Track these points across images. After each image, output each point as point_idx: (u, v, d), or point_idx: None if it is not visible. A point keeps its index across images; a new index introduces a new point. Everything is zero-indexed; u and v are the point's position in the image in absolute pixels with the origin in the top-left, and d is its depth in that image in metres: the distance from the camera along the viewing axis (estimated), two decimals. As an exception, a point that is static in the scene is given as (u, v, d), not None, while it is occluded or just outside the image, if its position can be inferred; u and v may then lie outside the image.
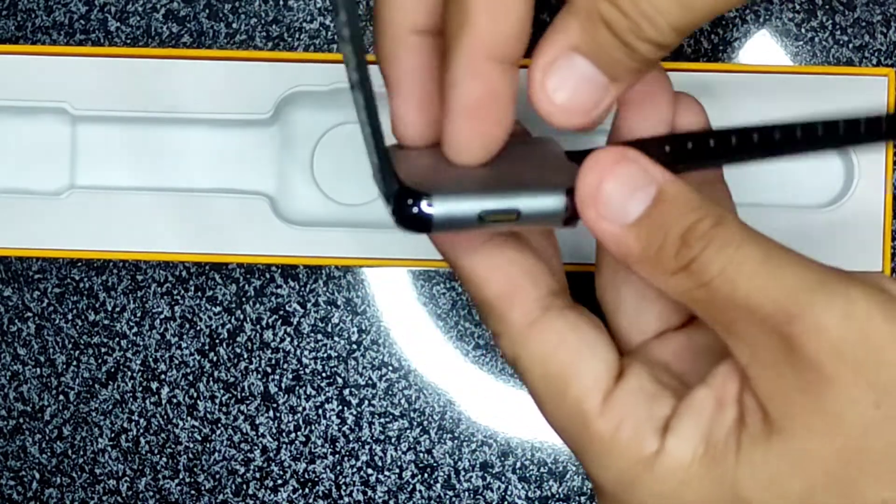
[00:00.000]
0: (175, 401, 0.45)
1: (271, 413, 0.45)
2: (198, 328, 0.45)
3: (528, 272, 0.28)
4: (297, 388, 0.45)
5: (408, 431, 0.45)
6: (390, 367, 0.45)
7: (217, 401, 0.45)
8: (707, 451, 0.25)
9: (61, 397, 0.45)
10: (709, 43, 0.44)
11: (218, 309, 0.45)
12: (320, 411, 0.45)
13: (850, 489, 0.24)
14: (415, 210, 0.25)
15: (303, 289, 0.45)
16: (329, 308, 0.45)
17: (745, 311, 0.24)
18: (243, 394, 0.45)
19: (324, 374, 0.45)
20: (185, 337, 0.45)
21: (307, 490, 0.45)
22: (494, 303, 0.28)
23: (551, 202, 0.26)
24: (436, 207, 0.25)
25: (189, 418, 0.45)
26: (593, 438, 0.26)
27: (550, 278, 0.28)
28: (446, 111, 0.26)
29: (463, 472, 0.45)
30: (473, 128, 0.26)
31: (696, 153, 0.27)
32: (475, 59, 0.25)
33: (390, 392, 0.45)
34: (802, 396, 0.24)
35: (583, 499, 0.44)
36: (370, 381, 0.45)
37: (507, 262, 0.28)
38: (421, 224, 0.25)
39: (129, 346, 0.45)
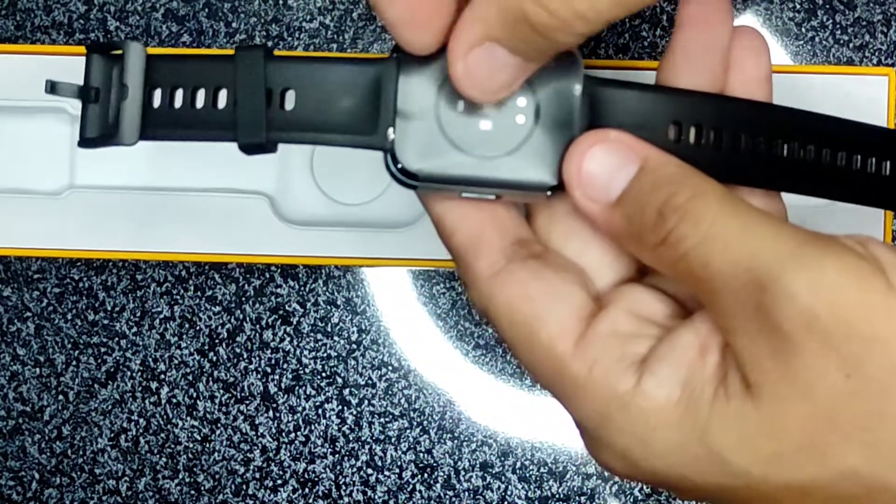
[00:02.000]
0: (175, 401, 0.45)
1: (271, 413, 0.45)
2: (197, 328, 0.45)
3: (495, 219, 0.28)
4: (297, 388, 0.45)
5: (408, 431, 0.45)
6: (390, 367, 0.45)
7: (217, 401, 0.45)
8: (682, 397, 0.25)
9: (61, 397, 0.45)
10: (709, 43, 0.44)
11: (217, 309, 0.45)
12: (320, 411, 0.45)
13: (819, 455, 0.24)
14: (404, 179, 0.28)
15: (302, 288, 0.45)
16: (329, 308, 0.45)
17: (720, 282, 0.24)
18: (243, 394, 0.45)
19: (323, 374, 0.45)
20: (184, 337, 0.45)
21: (307, 490, 0.45)
22: (461, 252, 0.28)
23: (536, 182, 0.27)
24: (420, 185, 0.27)
25: (189, 418, 0.45)
26: (567, 379, 0.27)
27: (520, 225, 0.29)
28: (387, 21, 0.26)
29: (463, 472, 0.45)
30: (416, 33, 0.26)
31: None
32: None
33: (390, 392, 0.45)
34: (775, 364, 0.24)
35: (583, 499, 0.44)
36: (370, 381, 0.45)
37: (476, 209, 0.28)
38: (408, 186, 0.28)
39: (129, 345, 0.45)
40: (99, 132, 0.28)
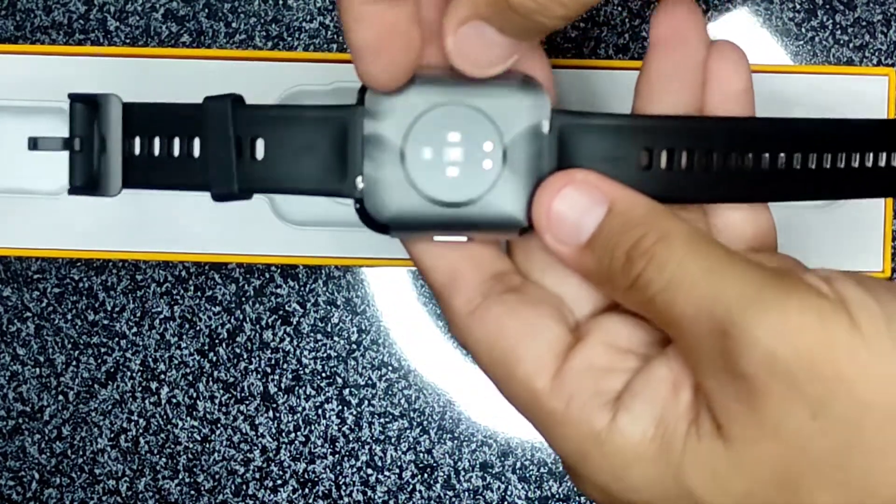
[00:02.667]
0: (174, 401, 0.45)
1: (271, 413, 0.45)
2: (197, 328, 0.45)
3: (471, 258, 0.28)
4: (297, 388, 0.45)
5: (408, 431, 0.45)
6: (390, 367, 0.45)
7: (217, 401, 0.45)
8: (656, 434, 0.25)
9: (60, 397, 0.45)
10: (709, 43, 0.44)
11: (217, 309, 0.45)
12: (320, 411, 0.45)
13: (791, 493, 0.24)
14: (375, 227, 0.28)
15: (302, 289, 0.45)
16: (329, 308, 0.45)
17: (686, 326, 0.25)
18: (243, 394, 0.45)
19: (323, 374, 0.45)
20: (184, 337, 0.45)
21: (307, 490, 0.45)
22: (439, 290, 0.28)
23: (506, 223, 0.27)
24: (392, 232, 0.28)
25: (188, 418, 0.45)
26: (545, 415, 0.27)
27: (497, 258, 0.29)
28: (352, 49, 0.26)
29: (463, 472, 0.45)
30: (380, 64, 0.26)
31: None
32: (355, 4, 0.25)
33: (390, 392, 0.45)
34: (742, 407, 0.24)
35: (583, 499, 0.44)
36: (370, 381, 0.45)
37: (450, 249, 0.28)
38: (380, 232, 0.28)
39: (129, 346, 0.45)
40: (84, 181, 0.29)
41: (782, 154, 0.28)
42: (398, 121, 0.27)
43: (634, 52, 0.44)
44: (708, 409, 0.25)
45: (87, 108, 0.29)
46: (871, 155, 0.29)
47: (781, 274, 0.24)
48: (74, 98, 0.29)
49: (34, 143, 0.29)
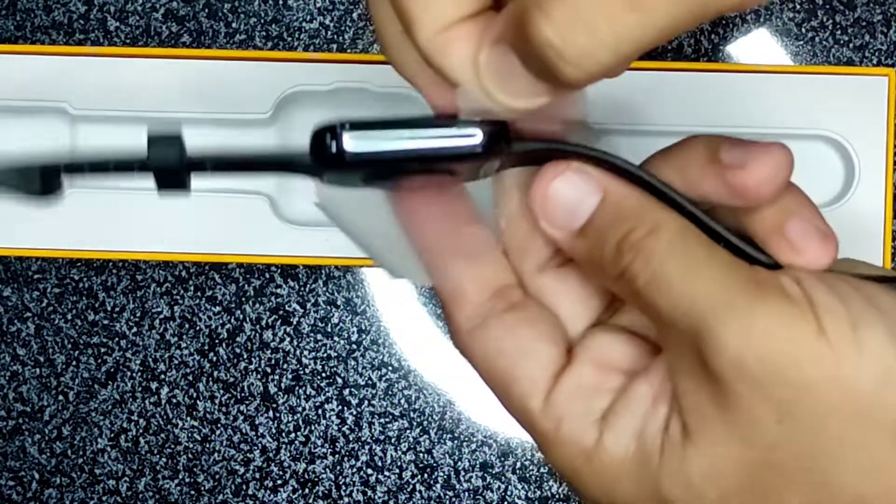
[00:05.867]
0: (175, 401, 0.45)
1: (271, 413, 0.45)
2: (197, 328, 0.45)
3: (476, 273, 0.29)
4: (297, 388, 0.45)
5: (408, 431, 0.45)
6: (390, 367, 0.45)
7: (217, 401, 0.45)
8: (638, 449, 0.26)
9: (61, 397, 0.45)
10: (709, 43, 0.44)
11: (217, 309, 0.45)
12: (320, 411, 0.45)
13: (762, 497, 0.25)
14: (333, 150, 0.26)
15: (302, 289, 0.45)
16: (329, 308, 0.45)
17: (666, 323, 0.25)
18: (243, 394, 0.45)
19: (323, 374, 0.45)
20: (184, 337, 0.45)
21: (307, 490, 0.45)
22: (445, 301, 0.29)
23: (466, 140, 0.26)
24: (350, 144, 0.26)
25: (188, 418, 0.45)
26: (539, 434, 0.28)
27: (500, 271, 0.29)
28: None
29: (463, 472, 0.45)
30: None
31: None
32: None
33: (390, 392, 0.45)
34: (713, 409, 0.24)
35: (583, 499, 0.44)
36: (370, 381, 0.45)
37: (456, 261, 0.29)
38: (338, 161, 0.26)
39: (129, 346, 0.45)
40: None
41: None
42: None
43: (634, 52, 0.44)
44: (679, 413, 0.25)
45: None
46: None
47: (757, 278, 0.25)
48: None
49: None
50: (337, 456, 0.45)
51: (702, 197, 0.26)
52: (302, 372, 0.45)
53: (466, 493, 0.45)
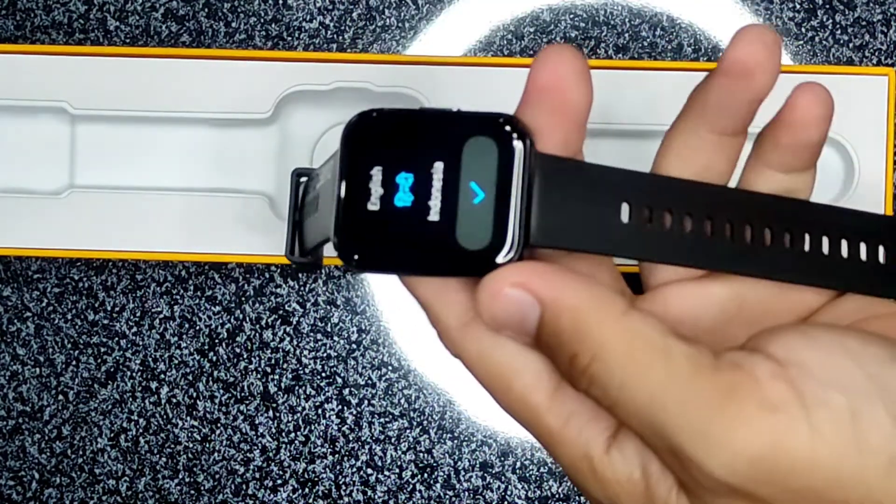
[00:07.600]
0: (174, 401, 0.45)
1: (271, 413, 0.45)
2: (197, 328, 0.45)
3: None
4: (297, 387, 0.45)
5: (408, 431, 0.45)
6: (390, 367, 0.45)
7: (216, 400, 0.45)
8: (642, 478, 0.25)
9: (60, 397, 0.45)
10: (709, 43, 0.44)
11: (217, 308, 0.45)
12: (320, 411, 0.45)
13: None
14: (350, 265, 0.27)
15: (302, 288, 0.45)
16: (328, 308, 0.45)
17: (644, 438, 0.25)
18: (243, 394, 0.45)
19: (323, 374, 0.45)
20: (184, 337, 0.45)
21: (307, 490, 0.45)
22: (427, 303, 0.28)
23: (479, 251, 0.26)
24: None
25: (188, 418, 0.45)
26: (543, 429, 0.26)
27: None
28: None
29: (463, 472, 0.45)
30: None
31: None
32: None
33: (390, 392, 0.45)
34: (711, 497, 0.24)
35: (582, 499, 0.44)
36: (370, 381, 0.45)
37: None
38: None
39: (129, 345, 0.45)
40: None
41: (769, 229, 0.27)
42: None
43: (634, 51, 0.44)
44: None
45: None
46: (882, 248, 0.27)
47: (729, 382, 0.23)
48: None
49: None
50: (337, 455, 0.45)
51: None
52: (302, 372, 0.45)
53: (466, 493, 0.45)
